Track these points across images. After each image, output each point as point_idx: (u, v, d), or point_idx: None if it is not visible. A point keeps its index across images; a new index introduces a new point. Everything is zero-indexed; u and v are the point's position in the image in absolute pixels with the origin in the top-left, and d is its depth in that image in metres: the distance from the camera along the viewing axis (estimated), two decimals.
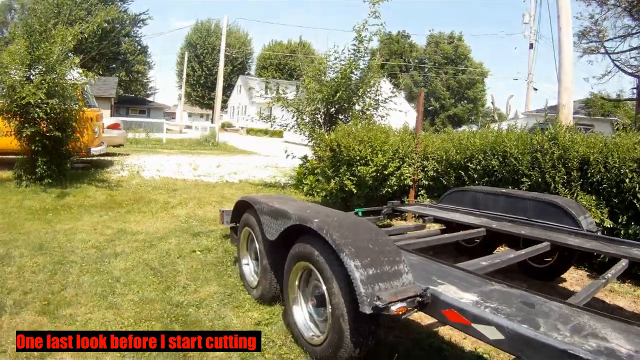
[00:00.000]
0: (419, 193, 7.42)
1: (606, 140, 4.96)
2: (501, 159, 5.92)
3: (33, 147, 7.48)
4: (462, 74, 48.88)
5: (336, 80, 8.72)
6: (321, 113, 9.18)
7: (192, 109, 57.44)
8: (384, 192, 7.08)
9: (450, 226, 5.31)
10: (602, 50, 15.71)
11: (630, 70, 15.33)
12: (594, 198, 4.95)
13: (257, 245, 3.49)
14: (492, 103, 41.30)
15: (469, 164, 6.40)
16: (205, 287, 3.72)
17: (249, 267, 3.82)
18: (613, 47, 15.94)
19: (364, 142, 6.69)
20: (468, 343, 3.06)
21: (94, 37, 29.43)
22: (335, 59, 9.04)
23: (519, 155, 5.67)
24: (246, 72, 52.08)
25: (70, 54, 8.09)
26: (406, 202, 7.01)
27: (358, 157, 6.63)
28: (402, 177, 6.90)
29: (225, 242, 5.09)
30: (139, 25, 41.24)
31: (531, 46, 20.82)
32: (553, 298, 2.37)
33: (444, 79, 49.40)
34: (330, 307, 2.39)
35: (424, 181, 7.29)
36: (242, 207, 3.85)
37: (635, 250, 3.78)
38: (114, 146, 13.40)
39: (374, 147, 6.70)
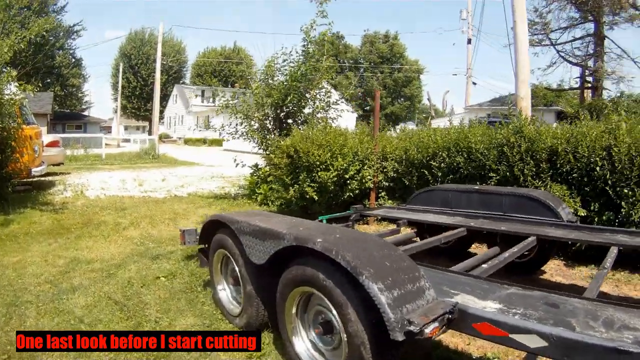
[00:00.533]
0: (380, 195, 7.11)
1: (573, 131, 4.89)
2: (466, 155, 5.73)
3: None
4: (398, 72, 50.08)
5: (286, 83, 8.24)
6: (270, 118, 8.64)
7: (128, 121, 54.90)
8: (345, 197, 6.68)
9: (423, 229, 5.01)
10: (547, 42, 16.49)
11: (575, 61, 16.19)
12: (565, 188, 4.84)
13: (237, 269, 2.99)
14: (428, 99, 42.83)
15: (431, 162, 6.16)
16: (180, 319, 3.28)
17: (226, 293, 3.32)
18: (557, 38, 16.61)
19: (323, 147, 6.26)
20: (473, 349, 2.90)
21: (28, 50, 27.87)
22: (284, 61, 8.57)
23: (485, 151, 5.50)
24: (181, 81, 51.06)
25: (5, 68, 7.39)
26: (367, 206, 6.65)
27: (318, 162, 6.17)
28: (363, 181, 6.55)
29: (188, 264, 4.54)
30: (72, 37, 39.66)
31: (469, 41, 21.66)
32: (570, 294, 2.30)
33: (380, 78, 50.27)
34: (345, 335, 2.10)
35: (384, 183, 6.98)
36: (214, 227, 3.32)
37: (621, 237, 3.65)
38: (54, 165, 12.26)
39: (333, 151, 6.29)
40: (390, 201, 7.05)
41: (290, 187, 6.51)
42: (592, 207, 4.71)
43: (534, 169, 5.08)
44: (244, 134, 8.62)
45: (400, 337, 1.82)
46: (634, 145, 4.42)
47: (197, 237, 4.12)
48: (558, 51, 16.19)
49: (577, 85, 17.08)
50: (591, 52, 14.92)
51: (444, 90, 35.53)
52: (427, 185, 6.32)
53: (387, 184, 6.99)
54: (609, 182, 4.55)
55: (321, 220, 5.78)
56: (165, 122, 51.74)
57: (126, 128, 55.21)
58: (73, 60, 41.00)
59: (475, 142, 5.58)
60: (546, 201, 4.27)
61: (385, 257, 2.13)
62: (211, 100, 39.78)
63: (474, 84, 22.21)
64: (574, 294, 2.33)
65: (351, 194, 6.63)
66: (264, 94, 8.24)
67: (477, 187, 4.81)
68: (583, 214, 4.69)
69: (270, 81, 8.48)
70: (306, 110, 8.56)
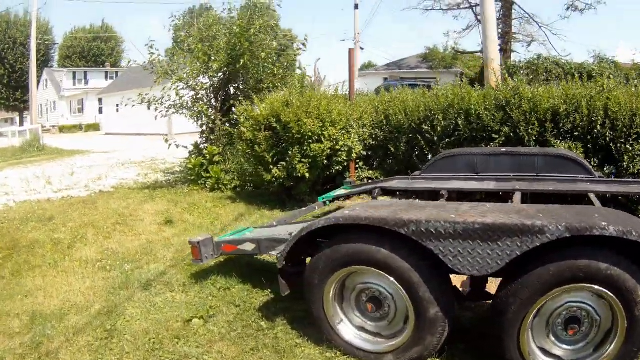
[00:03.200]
0: (358, 166, 6.86)
1: (574, 93, 5.29)
2: (464, 117, 5.82)
3: None
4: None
5: (237, 40, 7.06)
6: (214, 88, 7.45)
7: None
8: (333, 171, 6.25)
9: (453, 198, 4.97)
10: (467, 5, 17.56)
11: None
12: (568, 145, 5.29)
13: (403, 290, 2.30)
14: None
15: (423, 127, 6.11)
16: None
17: (351, 327, 2.57)
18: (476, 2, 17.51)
19: (311, 114, 5.65)
20: None
21: None
22: (230, 17, 7.37)
23: (486, 112, 5.65)
24: (50, 65, 46.21)
25: None
26: (348, 179, 6.34)
27: (310, 133, 5.56)
28: (351, 151, 6.16)
29: (210, 286, 3.53)
30: None
31: (356, 6, 22.15)
32: None
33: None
34: None
35: (362, 152, 6.72)
36: (321, 236, 2.60)
37: None
38: None
39: (322, 119, 5.73)
40: (370, 171, 6.85)
41: (273, 166, 5.77)
42: (592, 162, 5.25)
43: (538, 129, 5.41)
44: (187, 108, 7.32)
45: None
46: (625, 105, 5.02)
47: (216, 248, 3.49)
48: (476, 14, 17.34)
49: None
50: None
51: (336, 57, 35.90)
52: (419, 151, 6.30)
53: (364, 153, 6.74)
54: (607, 138, 5.12)
55: (325, 202, 5.32)
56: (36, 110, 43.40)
57: None
58: None
59: (478, 103, 5.67)
60: (579, 159, 4.59)
61: None
62: (84, 82, 40.74)
63: (362, 49, 22.96)
64: None
65: (340, 167, 6.22)
66: (204, 58, 7.00)
67: (504, 149, 4.90)
68: None
69: (215, 41, 7.24)
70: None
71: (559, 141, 5.28)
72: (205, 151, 7.32)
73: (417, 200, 3.18)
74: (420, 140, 6.12)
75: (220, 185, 7.08)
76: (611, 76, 5.72)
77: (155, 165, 10.41)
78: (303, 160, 5.63)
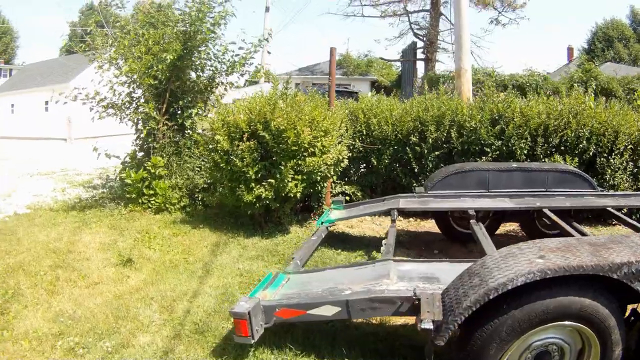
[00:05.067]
0: (332, 180, 6.37)
1: (563, 110, 5.57)
2: (456, 129, 5.75)
3: None
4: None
5: (194, 28, 6.00)
6: (158, 85, 6.27)
7: None
8: (318, 187, 5.67)
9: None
10: (402, 12, 17.64)
11: (422, 33, 17.97)
12: (562, 158, 5.53)
13: (597, 338, 2.07)
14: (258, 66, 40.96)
15: (411, 138, 5.89)
16: None
17: None
18: (410, 10, 17.84)
19: (302, 121, 5.02)
20: None
21: None
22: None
23: (479, 125, 5.65)
24: None
25: None
26: (323, 197, 5.88)
27: (306, 145, 4.94)
28: (339, 164, 5.66)
29: None
30: None
31: (267, 9, 21.35)
32: None
33: None
34: None
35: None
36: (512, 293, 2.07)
37: None
38: None
39: (313, 127, 5.13)
40: (346, 186, 6.41)
41: (256, 184, 5.00)
42: None
43: (530, 144, 5.58)
44: (133, 109, 6.03)
45: None
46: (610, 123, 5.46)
47: (266, 314, 2.62)
48: (411, 23, 17.83)
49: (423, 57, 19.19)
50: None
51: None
52: (403, 165, 6.08)
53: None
54: (590, 152, 5.51)
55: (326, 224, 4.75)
56: None
57: None
58: None
59: (473, 115, 5.64)
60: (584, 174, 4.81)
61: None
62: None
63: (269, 53, 22.24)
64: None
65: (325, 183, 5.68)
66: (154, 46, 5.85)
67: (516, 165, 4.91)
68: None
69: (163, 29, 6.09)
70: (206, 73, 6.64)
71: (559, 155, 5.52)
72: (147, 163, 6.14)
73: (595, 236, 2.87)
74: (408, 153, 5.91)
75: (167, 205, 6.00)
76: (540, 89, 6.22)
77: (68, 176, 8.67)
78: (296, 177, 4.99)
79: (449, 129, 5.72)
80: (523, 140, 5.55)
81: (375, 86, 18.78)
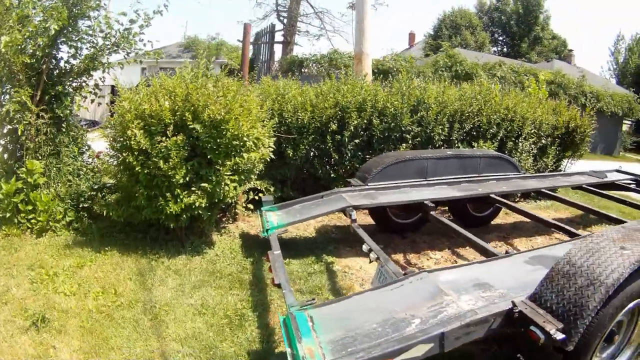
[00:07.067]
0: None
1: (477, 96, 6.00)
2: (377, 116, 5.61)
3: None
4: None
5: None
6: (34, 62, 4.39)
7: None
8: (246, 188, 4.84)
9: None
10: None
11: (285, 15, 16.60)
12: (482, 143, 5.97)
13: None
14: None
15: (330, 125, 5.52)
16: None
17: None
18: None
19: (245, 109, 4.16)
20: None
21: None
22: None
23: (400, 112, 5.63)
24: None
25: None
26: (266, 197, 5.14)
27: (245, 138, 4.09)
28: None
29: None
30: None
31: None
32: None
33: None
34: None
35: None
36: None
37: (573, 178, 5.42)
38: None
39: (249, 116, 4.28)
40: (257, 181, 5.66)
41: (183, 191, 3.93)
42: None
43: (448, 130, 5.84)
44: None
45: None
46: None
47: None
48: (277, 5, 16.65)
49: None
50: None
51: None
52: (320, 155, 5.68)
53: None
54: (502, 137, 6.13)
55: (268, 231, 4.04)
56: None
57: None
58: None
59: (395, 102, 5.58)
60: (511, 159, 5.28)
61: None
62: None
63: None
64: None
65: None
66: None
67: (450, 152, 5.06)
68: None
69: None
70: (85, 51, 4.95)
71: (482, 141, 5.91)
72: (21, 169, 4.35)
73: (629, 223, 3.05)
74: (328, 142, 5.54)
75: (51, 223, 4.40)
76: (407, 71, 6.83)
77: None
78: (232, 177, 4.12)
79: (370, 116, 5.57)
80: (440, 126, 5.78)
81: (228, 69, 17.55)
